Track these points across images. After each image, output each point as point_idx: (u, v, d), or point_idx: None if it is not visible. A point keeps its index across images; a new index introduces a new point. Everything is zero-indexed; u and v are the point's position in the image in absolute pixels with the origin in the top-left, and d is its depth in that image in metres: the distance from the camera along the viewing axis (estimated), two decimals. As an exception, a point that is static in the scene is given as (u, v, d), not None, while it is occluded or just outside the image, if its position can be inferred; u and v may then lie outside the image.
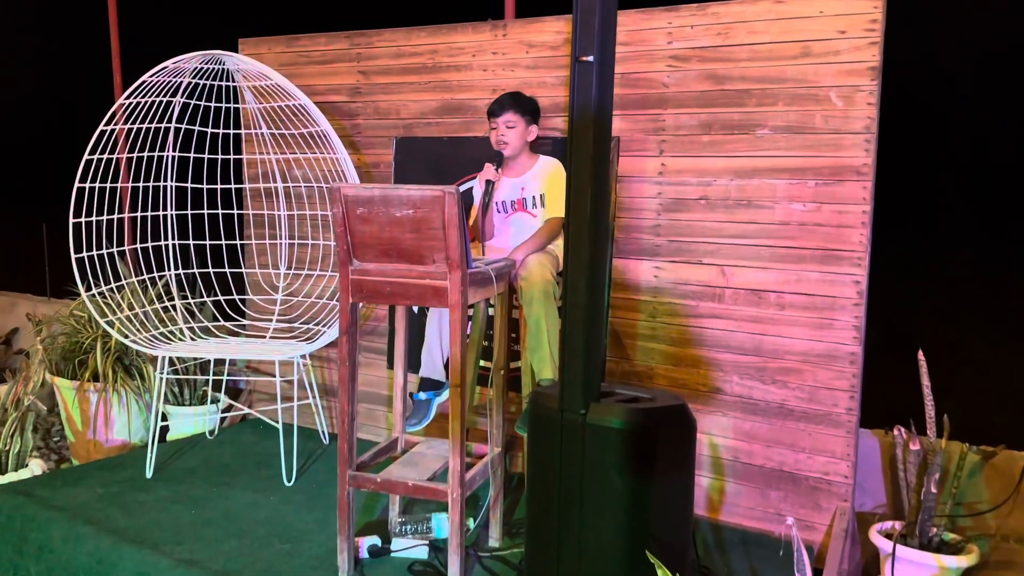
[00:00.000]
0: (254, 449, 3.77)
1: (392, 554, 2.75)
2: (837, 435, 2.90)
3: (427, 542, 2.78)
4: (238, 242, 4.01)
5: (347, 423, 2.57)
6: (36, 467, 3.49)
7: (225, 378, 4.06)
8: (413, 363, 3.29)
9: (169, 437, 4.21)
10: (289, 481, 3.34)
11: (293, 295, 4.00)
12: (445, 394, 3.07)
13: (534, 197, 3.11)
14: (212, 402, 4.09)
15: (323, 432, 3.87)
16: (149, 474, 3.37)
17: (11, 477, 3.36)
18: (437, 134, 3.68)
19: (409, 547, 2.75)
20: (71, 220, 3.25)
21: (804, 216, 2.90)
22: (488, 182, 3.02)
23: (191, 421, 4.11)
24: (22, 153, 6.32)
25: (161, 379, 3.37)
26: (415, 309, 3.56)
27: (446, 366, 3.05)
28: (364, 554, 2.72)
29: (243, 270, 4.03)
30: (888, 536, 2.83)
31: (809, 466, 2.95)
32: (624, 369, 3.25)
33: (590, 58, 1.86)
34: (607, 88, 1.91)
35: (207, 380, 4.06)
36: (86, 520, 2.92)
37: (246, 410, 3.92)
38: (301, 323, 3.92)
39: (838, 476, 2.90)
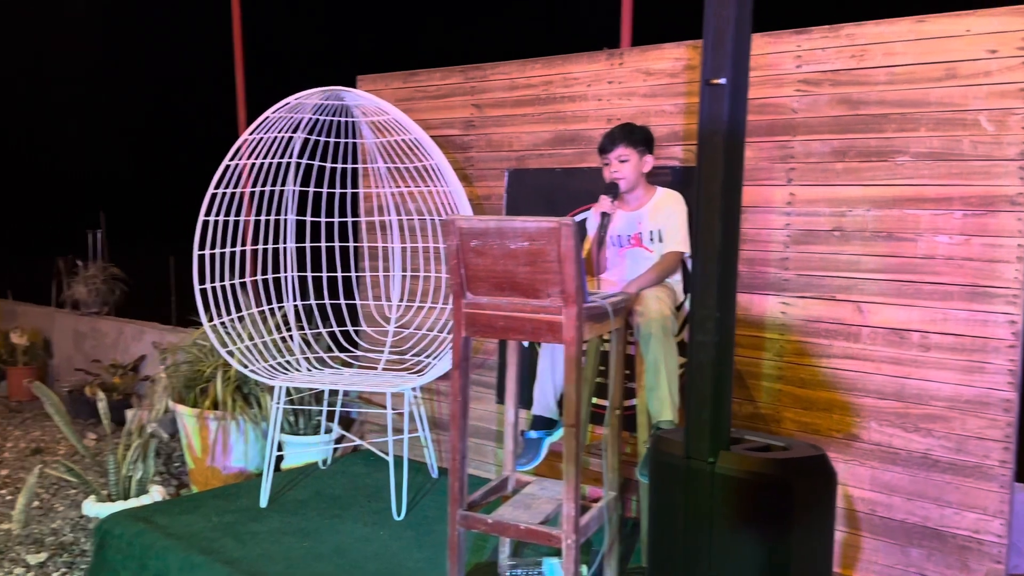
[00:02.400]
0: (365, 481, 3.75)
1: (503, 599, 2.65)
2: (989, 489, 2.62)
3: (539, 588, 2.66)
4: (353, 274, 4.05)
5: (458, 461, 2.50)
6: (156, 493, 3.57)
7: (339, 408, 4.08)
8: (523, 399, 3.20)
9: (283, 466, 4.26)
10: (399, 516, 3.30)
11: (404, 327, 4.00)
12: (557, 434, 2.96)
13: (651, 232, 2.99)
14: (326, 432, 4.11)
15: (432, 466, 3.83)
16: (263, 504, 3.39)
17: (133, 503, 3.45)
18: (550, 165, 3.62)
19: (522, 592, 2.65)
20: (195, 252, 3.34)
21: (951, 249, 2.67)
22: (604, 214, 2.92)
23: (304, 451, 4.15)
24: (153, 189, 6.68)
25: (278, 409, 3.40)
26: (524, 343, 3.48)
27: (559, 404, 2.95)
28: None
29: (357, 302, 4.06)
30: (1051, 606, 2.54)
31: (957, 523, 2.68)
32: (748, 411, 3.06)
33: (722, 81, 1.74)
34: (740, 113, 1.79)
35: (321, 410, 4.09)
36: (201, 550, 2.95)
37: (357, 441, 3.92)
38: (412, 355, 3.91)
39: (990, 535, 2.63)
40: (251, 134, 3.36)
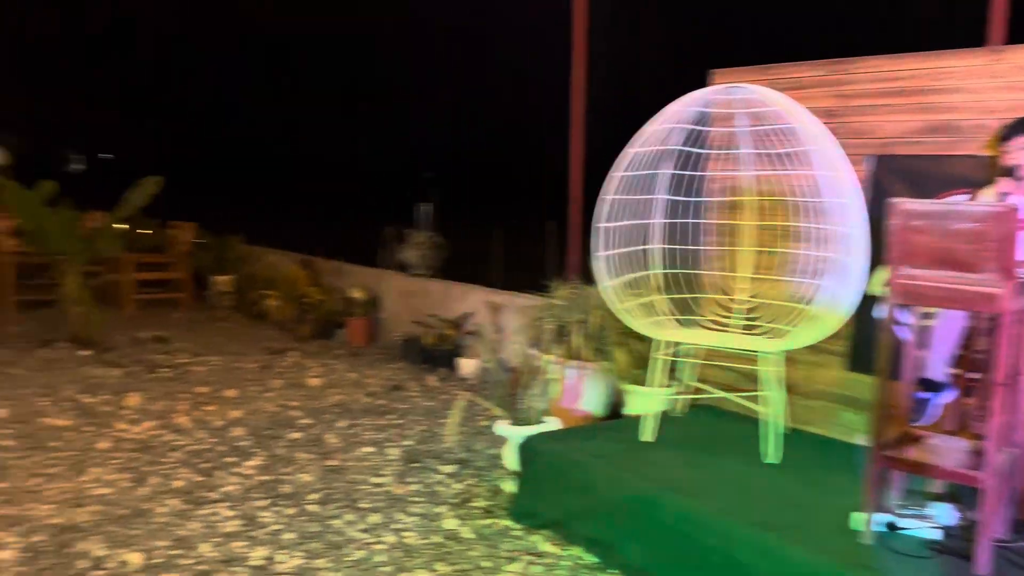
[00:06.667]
0: (719, 429, 4.23)
1: (903, 531, 3.04)
2: None
3: (934, 526, 3.04)
4: (704, 248, 4.55)
5: (880, 413, 2.92)
6: (556, 422, 4.27)
7: (700, 362, 4.58)
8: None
9: (624, 412, 4.86)
10: (772, 460, 3.75)
11: (757, 297, 4.45)
12: (944, 395, 3.30)
13: (1047, 216, 3.23)
14: (672, 385, 4.64)
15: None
16: (648, 439, 3.96)
17: (537, 428, 4.16)
18: (916, 152, 3.91)
19: (921, 527, 3.03)
20: (601, 225, 3.97)
21: None
22: (1003, 194, 3.21)
23: (650, 400, 4.69)
24: (478, 171, 7.59)
25: (665, 361, 3.97)
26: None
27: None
28: (880, 528, 3.05)
29: (714, 272, 4.56)
30: None
31: None
32: None
33: None
34: None
35: (669, 365, 4.62)
36: (620, 467, 3.56)
37: (721, 394, 4.39)
38: (762, 322, 4.34)
39: None
40: (652, 126, 3.91)
